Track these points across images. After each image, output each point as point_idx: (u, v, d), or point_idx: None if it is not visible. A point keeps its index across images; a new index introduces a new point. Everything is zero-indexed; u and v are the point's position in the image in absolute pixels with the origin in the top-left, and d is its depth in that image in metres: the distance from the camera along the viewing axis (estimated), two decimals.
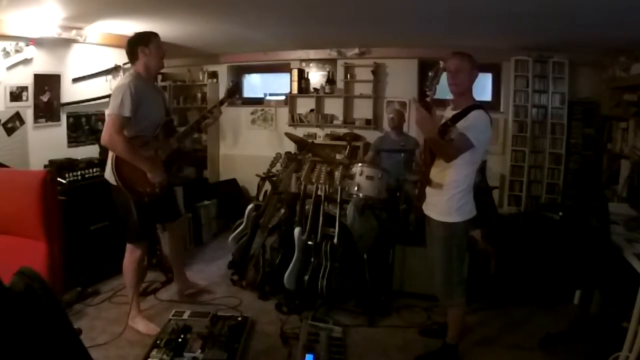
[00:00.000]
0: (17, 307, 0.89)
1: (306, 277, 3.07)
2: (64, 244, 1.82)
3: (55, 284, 1.77)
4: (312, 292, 3.05)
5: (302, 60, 5.78)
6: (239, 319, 2.78)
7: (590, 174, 4.74)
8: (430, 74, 2.18)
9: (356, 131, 5.57)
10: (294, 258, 3.10)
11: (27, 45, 3.66)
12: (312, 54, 5.67)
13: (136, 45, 2.61)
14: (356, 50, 5.37)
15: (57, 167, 3.50)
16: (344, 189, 3.24)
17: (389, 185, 3.41)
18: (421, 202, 2.45)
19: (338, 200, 3.14)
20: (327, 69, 5.71)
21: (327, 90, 5.62)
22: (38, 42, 3.74)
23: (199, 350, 2.39)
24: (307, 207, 3.31)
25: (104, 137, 2.48)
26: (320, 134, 5.75)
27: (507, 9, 3.07)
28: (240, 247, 3.56)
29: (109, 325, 2.79)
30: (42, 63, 3.89)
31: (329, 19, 3.77)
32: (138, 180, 2.57)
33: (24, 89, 3.76)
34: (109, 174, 2.59)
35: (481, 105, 2.25)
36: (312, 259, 3.11)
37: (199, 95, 6.11)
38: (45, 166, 3.63)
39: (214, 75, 6.15)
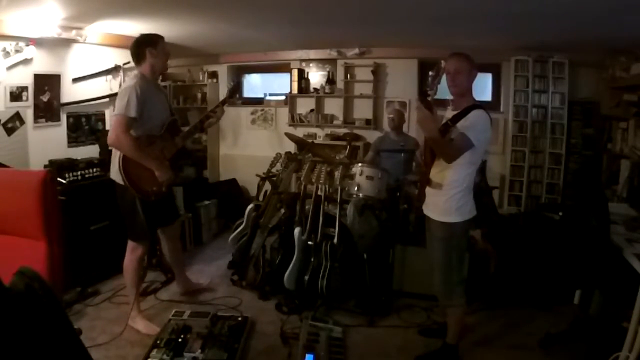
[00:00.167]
0: (17, 307, 0.89)
1: (306, 277, 3.07)
2: (64, 244, 1.81)
3: (55, 284, 1.77)
4: (312, 292, 3.04)
5: (302, 60, 5.77)
6: (239, 319, 2.78)
7: (590, 174, 4.73)
8: (431, 73, 2.16)
9: (356, 131, 5.56)
10: (294, 258, 3.10)
11: (27, 45, 3.66)
12: (312, 54, 5.67)
13: (144, 46, 2.62)
14: (356, 50, 5.37)
15: (57, 167, 3.49)
16: (344, 189, 3.24)
17: (389, 185, 3.41)
18: (421, 202, 2.45)
19: (338, 200, 3.14)
20: (327, 69, 5.71)
21: (327, 90, 5.62)
22: (38, 42, 3.73)
23: (199, 350, 2.39)
24: (307, 207, 3.31)
25: (111, 137, 2.49)
26: (320, 134, 5.75)
27: (507, 9, 3.07)
28: (240, 247, 3.57)
29: (109, 325, 2.80)
30: (42, 63, 3.88)
31: (329, 19, 3.77)
32: (145, 179, 2.59)
33: (24, 89, 3.75)
34: (115, 174, 2.59)
35: (481, 105, 2.25)
36: (312, 259, 3.11)
37: (199, 95, 6.10)
38: (45, 166, 3.62)
39: (214, 75, 6.15)
